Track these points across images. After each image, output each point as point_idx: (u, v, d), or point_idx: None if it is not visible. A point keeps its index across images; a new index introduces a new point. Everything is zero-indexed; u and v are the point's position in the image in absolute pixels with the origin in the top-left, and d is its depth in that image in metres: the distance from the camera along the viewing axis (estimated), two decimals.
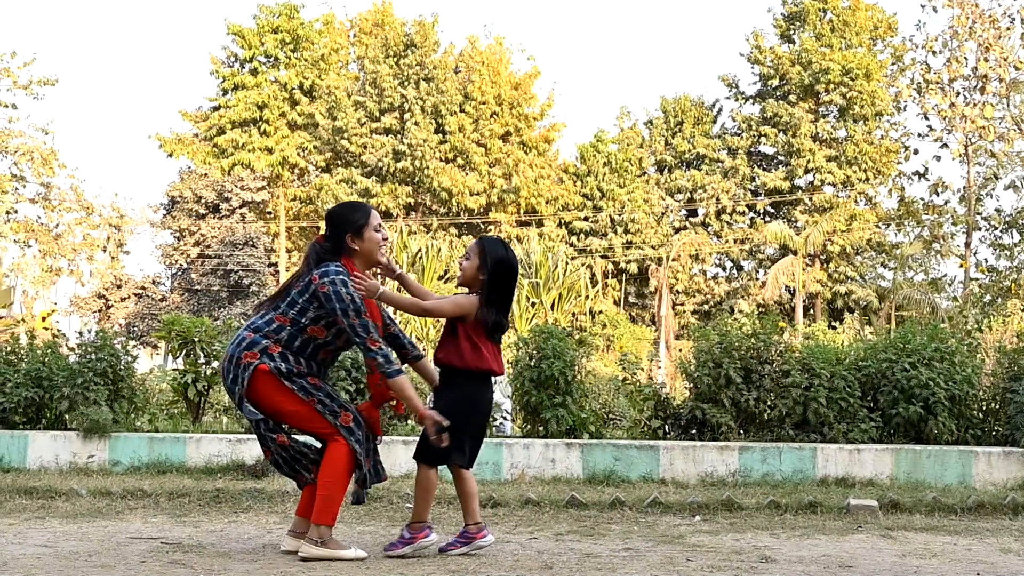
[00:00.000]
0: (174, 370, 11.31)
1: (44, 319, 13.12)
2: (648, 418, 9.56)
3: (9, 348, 9.88)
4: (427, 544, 5.30)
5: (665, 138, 48.95)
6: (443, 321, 5.43)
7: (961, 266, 40.51)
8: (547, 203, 45.81)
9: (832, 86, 44.43)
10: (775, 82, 46.77)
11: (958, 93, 41.85)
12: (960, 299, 36.87)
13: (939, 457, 8.59)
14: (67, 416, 9.34)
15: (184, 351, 10.54)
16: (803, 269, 42.52)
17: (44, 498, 7.32)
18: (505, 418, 9.98)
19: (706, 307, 46.00)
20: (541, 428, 9.24)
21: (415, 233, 41.28)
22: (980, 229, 42.36)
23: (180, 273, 46.07)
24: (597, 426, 9.38)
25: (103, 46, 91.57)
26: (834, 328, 30.87)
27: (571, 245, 45.19)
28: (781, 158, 46.87)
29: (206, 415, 11.16)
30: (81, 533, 5.92)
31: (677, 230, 47.08)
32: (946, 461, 8.58)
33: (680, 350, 30.80)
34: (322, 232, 5.48)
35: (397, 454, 8.65)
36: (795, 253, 42.20)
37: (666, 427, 9.52)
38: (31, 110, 76.69)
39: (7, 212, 38.13)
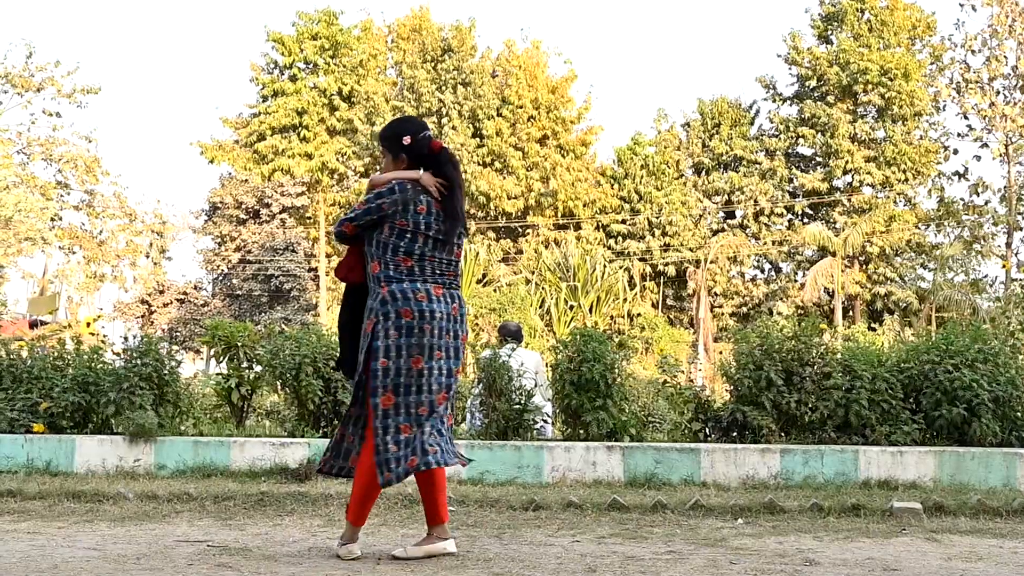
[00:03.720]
0: (218, 374, 11.42)
1: (89, 325, 13.23)
2: (688, 421, 9.53)
3: (56, 353, 9.99)
4: None
5: (702, 140, 48.79)
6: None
7: (1002, 267, 40.11)
8: (584, 206, 45.80)
9: (870, 86, 44.12)
10: (813, 83, 46.51)
11: (998, 92, 41.47)
12: (1002, 300, 36.45)
13: (983, 459, 8.51)
14: (113, 421, 9.44)
15: (227, 356, 10.64)
16: (842, 271, 42.24)
17: (92, 501, 7.40)
18: (546, 421, 9.98)
19: (745, 309, 45.81)
20: (582, 431, 9.24)
21: None
22: (1021, 229, 41.93)
23: (221, 278, 46.53)
24: (637, 429, 9.36)
25: (145, 54, 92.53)
26: (874, 330, 30.67)
27: (609, 248, 45.15)
28: (819, 159, 46.60)
29: (249, 419, 11.25)
30: (129, 536, 6.00)
31: (715, 232, 46.93)
32: (990, 463, 8.51)
33: (720, 352, 30.73)
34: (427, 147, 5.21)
35: None
36: (834, 255, 41.94)
37: (707, 430, 9.49)
38: (75, 118, 77.90)
39: (52, 219, 38.58)
